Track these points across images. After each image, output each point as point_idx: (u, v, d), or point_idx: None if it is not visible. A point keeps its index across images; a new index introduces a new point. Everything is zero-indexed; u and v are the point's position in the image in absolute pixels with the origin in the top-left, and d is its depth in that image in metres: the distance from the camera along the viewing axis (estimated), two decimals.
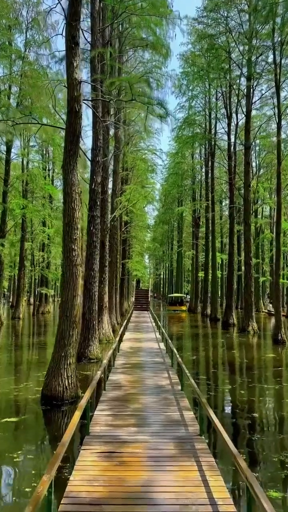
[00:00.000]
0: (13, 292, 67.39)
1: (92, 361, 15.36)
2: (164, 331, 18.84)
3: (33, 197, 43.10)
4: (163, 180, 65.20)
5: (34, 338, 23.61)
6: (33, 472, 6.15)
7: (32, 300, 57.43)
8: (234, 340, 23.80)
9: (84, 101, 11.21)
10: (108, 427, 7.00)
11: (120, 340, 18.74)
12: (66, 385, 9.84)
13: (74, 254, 10.29)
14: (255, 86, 28.70)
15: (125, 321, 25.05)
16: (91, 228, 16.03)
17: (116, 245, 31.43)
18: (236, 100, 34.12)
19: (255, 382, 12.57)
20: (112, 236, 27.75)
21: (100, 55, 15.89)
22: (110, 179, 28.72)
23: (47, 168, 45.72)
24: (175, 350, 12.01)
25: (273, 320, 41.31)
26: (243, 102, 29.97)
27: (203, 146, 46.31)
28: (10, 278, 69.99)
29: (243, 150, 29.60)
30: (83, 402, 6.17)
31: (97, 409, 8.13)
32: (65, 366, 9.94)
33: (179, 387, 9.84)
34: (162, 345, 17.85)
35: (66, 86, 10.94)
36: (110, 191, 28.97)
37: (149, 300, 49.90)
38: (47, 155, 45.26)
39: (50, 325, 31.96)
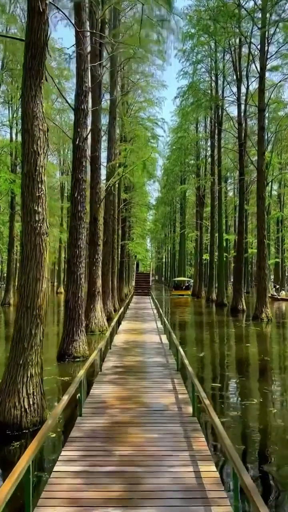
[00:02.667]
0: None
1: (78, 359, 12.37)
2: (166, 321, 15.79)
3: None
4: (165, 158, 61.61)
5: None
6: None
7: None
8: (247, 329, 20.79)
9: (51, 2, 7.89)
10: (70, 507, 3.96)
11: (114, 332, 15.75)
12: (26, 406, 6.81)
13: (37, 218, 7.14)
14: (271, 38, 25.01)
15: (122, 308, 22.02)
16: (76, 194, 12.82)
17: (113, 223, 28.27)
18: (246, 63, 30.48)
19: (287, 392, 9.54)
20: (107, 213, 24.58)
21: None
22: (105, 155, 25.36)
23: None
24: (182, 352, 8.94)
25: (276, 304, 38.10)
26: (256, 64, 26.40)
27: (209, 116, 42.65)
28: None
29: (257, 115, 26.15)
30: (3, 492, 3.07)
31: (61, 457, 5.10)
32: (25, 380, 6.90)
33: (190, 410, 6.80)
34: (164, 338, 14.84)
35: None
36: (105, 169, 25.68)
37: (150, 284, 46.87)
38: None
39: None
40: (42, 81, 7.45)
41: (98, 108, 18.48)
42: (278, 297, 43.52)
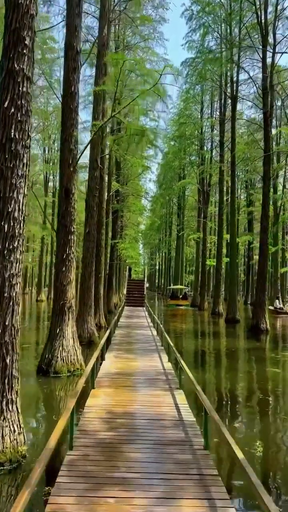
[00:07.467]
0: None
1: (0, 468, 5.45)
2: (182, 362, 8.87)
3: None
4: (163, 152, 55.30)
5: None
6: None
7: None
8: None
9: None
10: None
11: (90, 384, 8.81)
12: None
13: None
14: None
15: (109, 329, 14.88)
16: (7, 103, 5.94)
17: (100, 212, 21.47)
18: (274, 12, 24.18)
19: None
20: (91, 195, 17.82)
21: None
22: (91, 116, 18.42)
23: None
24: None
25: (281, 321, 30.61)
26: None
27: (217, 94, 36.29)
28: None
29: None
30: None
31: None
32: None
33: None
34: (181, 402, 7.84)
35: None
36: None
37: (145, 293, 39.91)
38: None
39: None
40: None
41: (76, 18, 11.77)
42: (278, 310, 37.16)
